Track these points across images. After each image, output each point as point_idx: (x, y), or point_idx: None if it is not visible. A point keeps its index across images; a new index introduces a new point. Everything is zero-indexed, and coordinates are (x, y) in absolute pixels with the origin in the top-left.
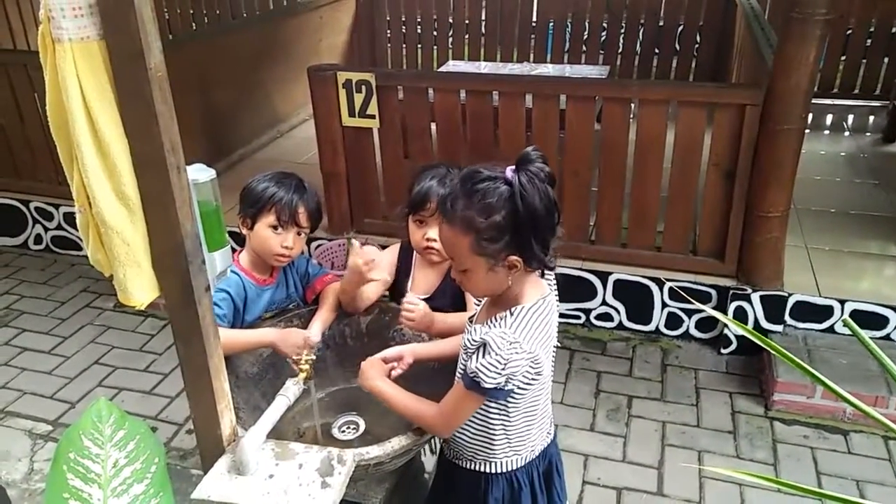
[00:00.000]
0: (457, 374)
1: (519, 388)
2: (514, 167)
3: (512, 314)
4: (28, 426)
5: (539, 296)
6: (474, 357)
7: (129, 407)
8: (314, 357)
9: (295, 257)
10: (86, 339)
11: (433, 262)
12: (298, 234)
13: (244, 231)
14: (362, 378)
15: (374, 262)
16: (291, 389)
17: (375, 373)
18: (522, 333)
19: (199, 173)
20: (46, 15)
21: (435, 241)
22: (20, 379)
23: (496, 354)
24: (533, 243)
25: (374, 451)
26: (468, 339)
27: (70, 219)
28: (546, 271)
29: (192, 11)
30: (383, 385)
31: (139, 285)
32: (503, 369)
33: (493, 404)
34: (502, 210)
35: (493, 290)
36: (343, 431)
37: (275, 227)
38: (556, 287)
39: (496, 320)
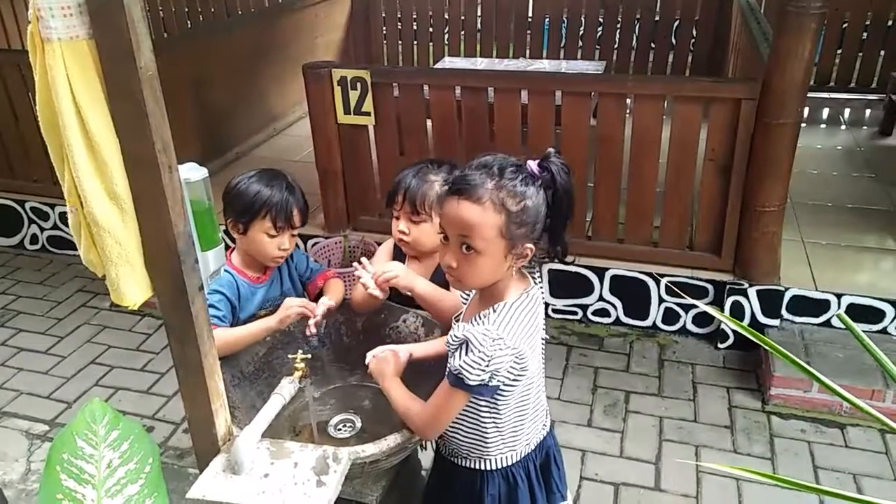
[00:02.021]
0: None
1: (505, 384)
2: (538, 161)
3: (495, 311)
4: (25, 426)
5: (523, 290)
6: (457, 354)
7: (126, 406)
8: (309, 355)
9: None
10: (82, 338)
11: (409, 254)
12: (292, 235)
13: (235, 235)
14: (376, 370)
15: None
16: (287, 388)
17: (389, 368)
18: (506, 329)
19: (192, 172)
20: (35, 14)
21: (405, 233)
22: (17, 379)
23: (479, 351)
24: (562, 230)
25: (369, 449)
26: (451, 337)
27: (66, 218)
28: (542, 262)
29: (186, 9)
30: (390, 382)
31: (132, 285)
32: (486, 366)
33: (482, 402)
34: (536, 197)
35: (490, 278)
36: (339, 429)
37: (270, 234)
38: (541, 281)
39: (480, 318)
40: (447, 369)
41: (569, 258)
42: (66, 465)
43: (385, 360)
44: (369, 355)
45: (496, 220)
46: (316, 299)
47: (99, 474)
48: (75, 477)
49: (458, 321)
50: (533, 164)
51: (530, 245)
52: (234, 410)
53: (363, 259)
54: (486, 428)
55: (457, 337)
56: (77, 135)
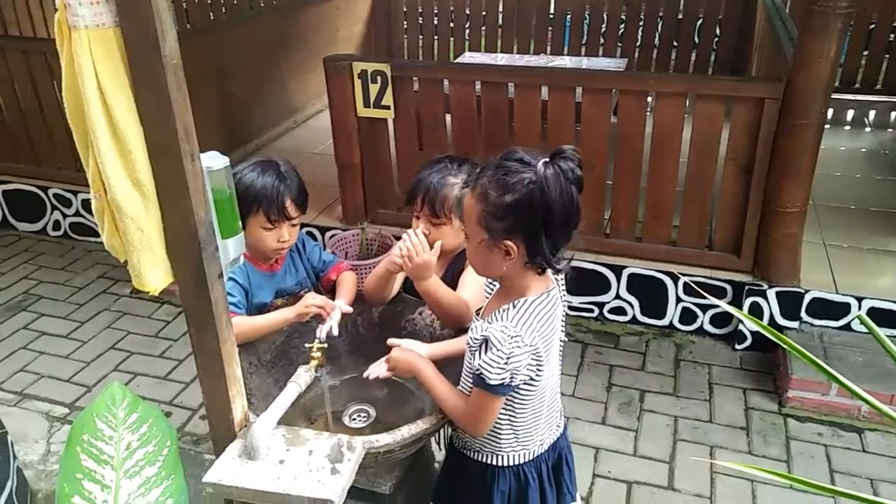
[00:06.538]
0: (463, 372)
1: (525, 383)
2: (546, 159)
3: (514, 307)
4: (45, 409)
5: (543, 289)
6: (477, 354)
7: (144, 392)
8: (326, 345)
9: (293, 243)
10: (102, 324)
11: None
12: (293, 225)
13: None
14: (403, 359)
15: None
16: (303, 377)
17: (413, 356)
18: (524, 327)
19: (213, 161)
20: (63, 2)
21: (426, 235)
22: (38, 362)
23: (498, 350)
24: (543, 239)
25: (384, 439)
26: (471, 337)
27: (88, 205)
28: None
29: (209, 1)
30: (426, 371)
31: (153, 271)
32: (506, 363)
33: None
34: (516, 194)
35: (487, 269)
36: (354, 419)
37: (266, 227)
38: (563, 282)
39: (499, 313)
40: (470, 369)
41: (590, 255)
42: (86, 446)
43: (407, 349)
44: (391, 341)
45: (476, 208)
46: (329, 292)
47: (118, 455)
48: (94, 457)
49: (478, 315)
50: (541, 162)
51: (510, 242)
52: (250, 397)
53: (418, 231)
54: (500, 426)
55: (476, 338)
56: (102, 122)
